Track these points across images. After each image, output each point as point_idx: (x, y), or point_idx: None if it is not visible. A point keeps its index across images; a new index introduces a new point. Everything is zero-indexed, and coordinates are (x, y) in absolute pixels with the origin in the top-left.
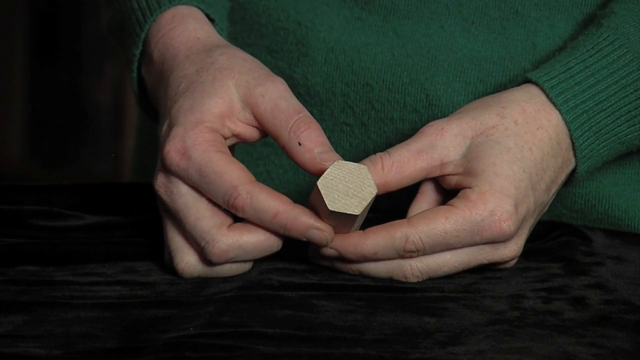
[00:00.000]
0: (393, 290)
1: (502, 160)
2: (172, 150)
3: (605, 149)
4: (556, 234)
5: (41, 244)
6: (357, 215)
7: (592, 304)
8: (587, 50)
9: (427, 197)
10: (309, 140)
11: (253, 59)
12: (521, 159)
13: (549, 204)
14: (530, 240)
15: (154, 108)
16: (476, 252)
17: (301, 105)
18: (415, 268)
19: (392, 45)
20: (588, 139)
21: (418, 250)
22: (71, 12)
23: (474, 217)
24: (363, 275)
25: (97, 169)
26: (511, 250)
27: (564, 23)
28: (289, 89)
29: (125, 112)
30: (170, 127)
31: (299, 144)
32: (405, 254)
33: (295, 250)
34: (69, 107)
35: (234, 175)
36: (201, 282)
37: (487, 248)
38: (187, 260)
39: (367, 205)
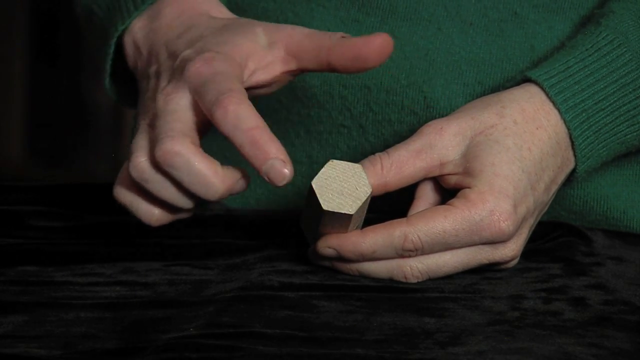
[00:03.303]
0: (393, 291)
1: (501, 160)
2: (199, 62)
3: (604, 149)
4: (556, 234)
5: (41, 244)
6: (352, 215)
7: (592, 305)
8: (586, 49)
9: (426, 198)
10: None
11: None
12: (520, 158)
13: (549, 203)
14: (530, 240)
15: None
16: (475, 252)
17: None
18: (415, 268)
19: None
20: (587, 138)
21: (417, 249)
22: (71, 12)
23: (473, 216)
24: (363, 276)
25: (97, 169)
26: (511, 250)
27: (562, 25)
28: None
29: (125, 113)
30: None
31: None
32: (404, 252)
33: (295, 251)
34: (69, 107)
35: (237, 85)
36: (201, 282)
37: (486, 248)
38: (141, 160)
39: (363, 205)
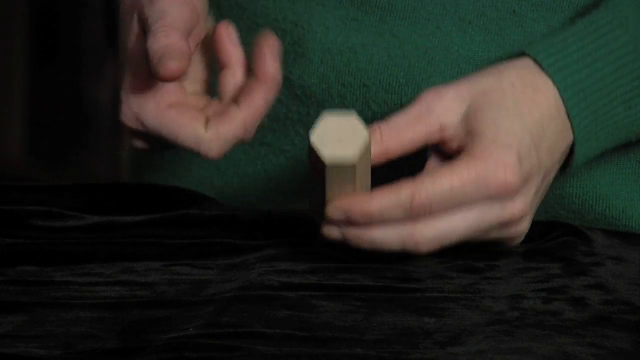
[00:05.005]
0: (393, 291)
1: (503, 118)
2: (127, 120)
3: (602, 132)
4: (556, 234)
5: (41, 244)
6: (355, 165)
7: (592, 305)
8: (585, 30)
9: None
10: (152, 51)
11: None
12: (521, 116)
13: (554, 173)
14: (530, 240)
15: None
16: (484, 211)
17: (166, 13)
18: (427, 236)
19: (388, 46)
20: (585, 119)
21: (425, 207)
22: (71, 12)
23: (478, 170)
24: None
25: (97, 169)
26: (519, 207)
27: (561, 24)
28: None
29: None
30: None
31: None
32: (413, 212)
33: (295, 251)
34: (69, 108)
35: (189, 131)
36: (201, 282)
37: (495, 205)
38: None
39: (365, 154)
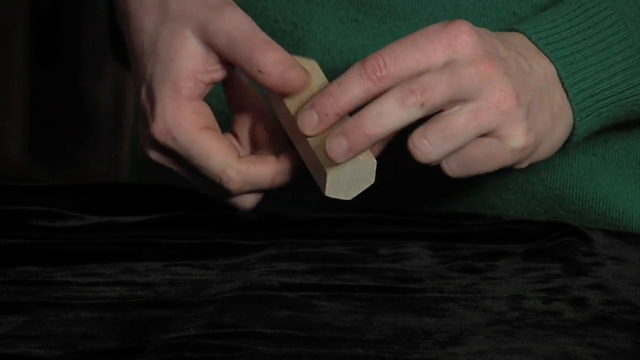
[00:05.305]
0: (393, 291)
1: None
2: (158, 133)
3: (604, 108)
4: (556, 234)
5: (41, 244)
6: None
7: (592, 305)
8: (573, 10)
9: None
10: (266, 65)
11: None
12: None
13: (522, 83)
14: (530, 240)
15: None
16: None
17: (254, 27)
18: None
19: None
20: (582, 91)
21: (377, 61)
22: (72, 13)
23: (429, 28)
24: (365, 275)
25: (97, 169)
26: (487, 68)
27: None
28: (239, 12)
29: (125, 113)
30: (151, 101)
31: (260, 71)
32: (366, 71)
33: (295, 251)
34: (69, 108)
35: (219, 158)
36: (201, 282)
37: (459, 63)
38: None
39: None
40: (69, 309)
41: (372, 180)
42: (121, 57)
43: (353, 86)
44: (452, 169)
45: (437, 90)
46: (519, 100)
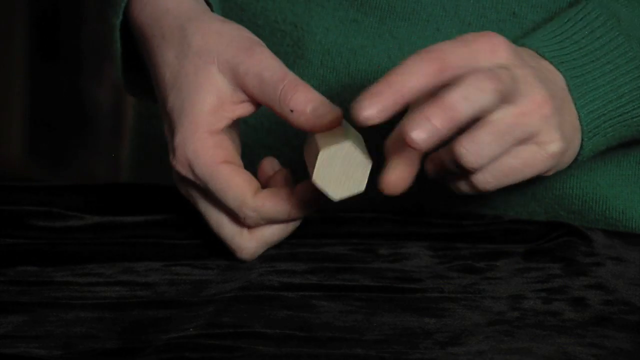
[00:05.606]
0: (393, 291)
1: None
2: (178, 164)
3: (608, 125)
4: (556, 234)
5: (41, 244)
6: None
7: (592, 305)
8: (580, 30)
9: None
10: (298, 103)
11: (228, 29)
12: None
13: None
14: (530, 240)
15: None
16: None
17: (285, 69)
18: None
19: (388, 48)
20: (592, 112)
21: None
22: (72, 12)
23: (464, 36)
24: (365, 275)
25: (97, 169)
26: (524, 72)
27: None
28: (268, 52)
29: (125, 113)
30: (172, 132)
31: (291, 111)
32: (425, 55)
33: (295, 251)
34: (69, 108)
35: (237, 192)
36: (201, 282)
37: (498, 71)
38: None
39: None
40: (69, 309)
41: (363, 188)
42: (139, 93)
43: (416, 66)
44: (487, 180)
45: (503, 79)
46: (554, 105)
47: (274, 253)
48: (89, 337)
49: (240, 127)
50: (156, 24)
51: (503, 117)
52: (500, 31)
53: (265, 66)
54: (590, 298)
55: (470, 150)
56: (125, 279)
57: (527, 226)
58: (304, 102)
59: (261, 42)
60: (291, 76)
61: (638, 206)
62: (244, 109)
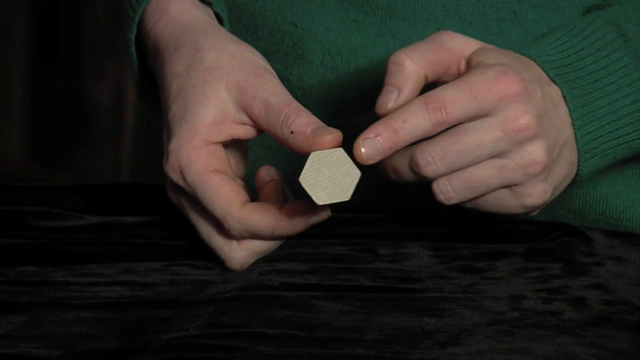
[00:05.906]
0: (393, 291)
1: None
2: (170, 169)
3: (607, 147)
4: (556, 234)
5: (41, 244)
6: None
7: (592, 305)
8: (588, 46)
9: None
10: (299, 125)
11: (241, 51)
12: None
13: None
14: (530, 240)
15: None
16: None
17: (290, 96)
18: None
19: (388, 47)
20: (589, 133)
21: (438, 103)
22: (72, 12)
23: (479, 75)
24: (365, 275)
25: (97, 169)
26: (528, 118)
27: (561, 24)
28: (277, 81)
29: (125, 113)
30: (169, 137)
31: (292, 132)
32: (429, 108)
33: (295, 251)
34: (69, 108)
35: (224, 201)
36: (201, 282)
37: (507, 112)
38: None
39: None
40: (69, 309)
41: (348, 197)
42: (150, 101)
43: (418, 126)
44: (458, 197)
45: (486, 139)
46: (546, 163)
47: (274, 253)
48: (89, 337)
49: None
50: (171, 37)
51: (482, 168)
52: (501, 30)
53: (272, 92)
54: (590, 298)
55: (444, 191)
56: (125, 279)
57: (527, 226)
58: (305, 124)
59: (272, 70)
60: (296, 104)
61: (638, 206)
62: (244, 131)
